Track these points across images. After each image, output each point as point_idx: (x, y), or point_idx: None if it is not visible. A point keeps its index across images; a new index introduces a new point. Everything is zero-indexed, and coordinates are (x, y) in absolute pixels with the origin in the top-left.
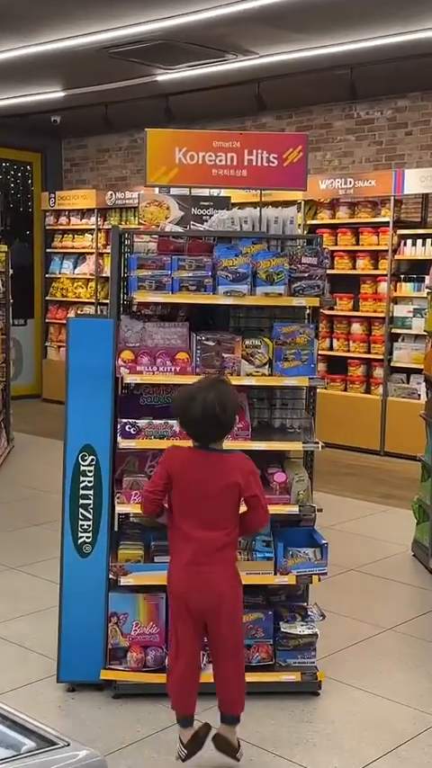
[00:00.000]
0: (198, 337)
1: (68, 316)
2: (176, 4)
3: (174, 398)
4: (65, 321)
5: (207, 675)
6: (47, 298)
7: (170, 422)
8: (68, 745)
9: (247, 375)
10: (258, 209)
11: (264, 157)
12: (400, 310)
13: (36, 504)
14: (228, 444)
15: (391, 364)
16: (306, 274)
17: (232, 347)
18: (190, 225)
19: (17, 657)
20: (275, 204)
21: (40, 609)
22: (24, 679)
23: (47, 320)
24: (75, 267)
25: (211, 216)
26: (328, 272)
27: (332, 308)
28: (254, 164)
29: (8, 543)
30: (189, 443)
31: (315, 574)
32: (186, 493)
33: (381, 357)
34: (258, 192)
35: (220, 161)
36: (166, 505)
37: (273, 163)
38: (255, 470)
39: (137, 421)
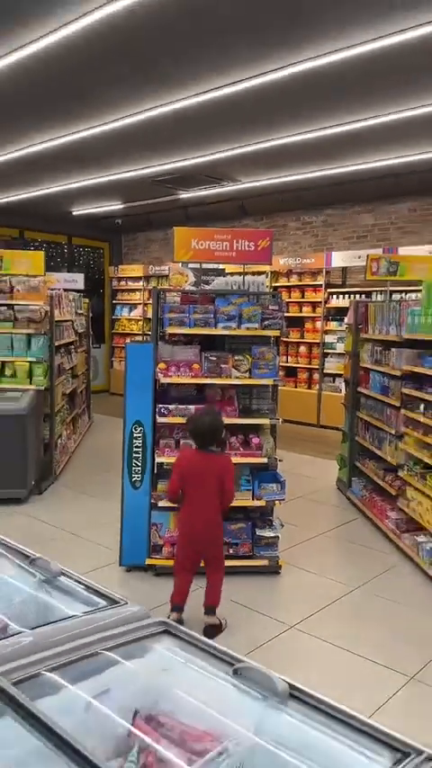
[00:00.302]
0: (206, 355)
1: (126, 342)
2: (193, 152)
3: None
4: (124, 345)
5: None
6: (113, 331)
7: (189, 406)
8: (127, 603)
9: (236, 378)
10: (242, 276)
11: (245, 244)
12: (329, 338)
13: (106, 458)
14: (224, 420)
15: (324, 371)
16: (272, 316)
17: (226, 361)
18: (201, 285)
19: (95, 551)
20: (253, 273)
21: (109, 521)
22: (99, 563)
23: (113, 345)
24: (130, 312)
25: (213, 280)
26: (285, 314)
27: (287, 337)
28: (239, 248)
29: (88, 481)
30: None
31: (277, 500)
32: (192, 479)
33: (317, 367)
34: (242, 265)
35: (219, 246)
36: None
37: (251, 248)
38: (231, 468)
39: (168, 406)
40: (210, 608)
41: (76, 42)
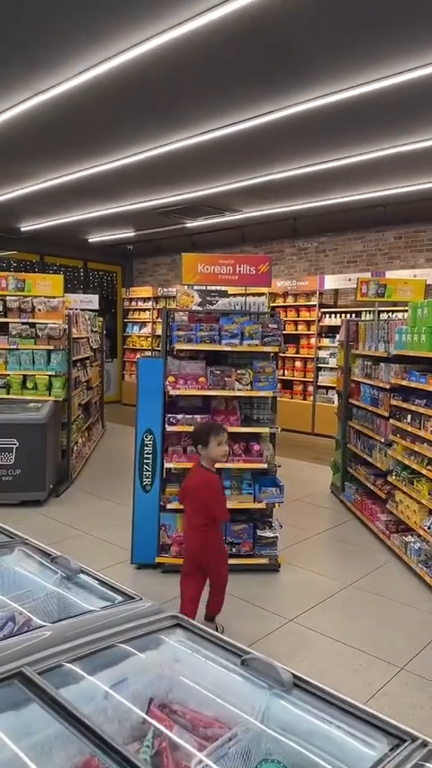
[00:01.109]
0: (211, 369)
1: (138, 357)
2: (198, 186)
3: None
4: (135, 360)
5: None
6: (124, 347)
7: (195, 416)
8: (141, 599)
9: (238, 390)
10: (244, 297)
11: (247, 269)
12: (323, 354)
13: (118, 463)
14: (228, 428)
15: (318, 384)
16: (271, 334)
17: (230, 374)
18: (206, 306)
19: (108, 550)
20: (253, 294)
21: (121, 522)
22: (112, 561)
23: (124, 359)
24: (140, 329)
25: (217, 301)
26: (283, 332)
27: (285, 353)
28: (241, 272)
29: (102, 484)
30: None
31: (277, 502)
32: (187, 493)
33: (312, 380)
34: (244, 288)
35: (223, 270)
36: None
37: (252, 272)
38: (213, 485)
39: (176, 415)
40: (207, 616)
41: (99, 86)
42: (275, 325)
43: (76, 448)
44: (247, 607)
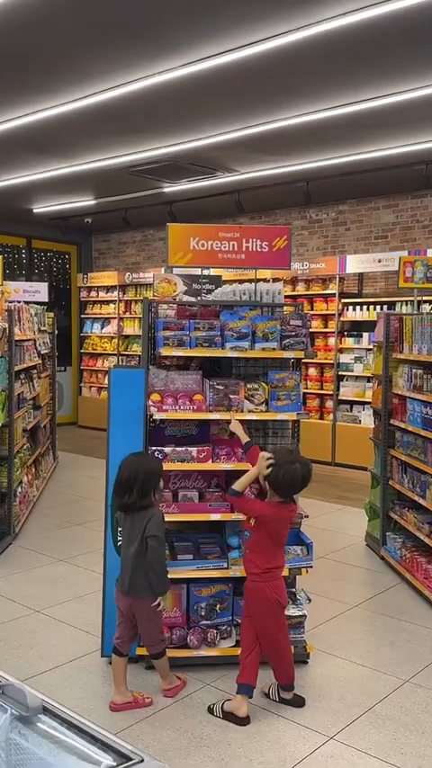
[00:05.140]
0: (211, 383)
1: (109, 366)
2: (181, 135)
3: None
4: (96, 368)
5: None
6: (81, 350)
7: (189, 448)
8: (142, 761)
9: (249, 411)
10: (254, 283)
11: (257, 244)
12: (345, 358)
13: (77, 508)
14: (231, 465)
15: (339, 398)
16: (293, 333)
17: (237, 390)
18: (202, 296)
19: (70, 636)
20: (263, 280)
21: (85, 593)
22: (75, 653)
23: (81, 367)
24: (102, 328)
25: (206, 290)
26: (310, 330)
27: (312, 358)
28: (250, 249)
29: (57, 539)
30: (205, 465)
31: (303, 567)
32: None
33: (331, 392)
34: (253, 270)
35: (225, 247)
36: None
37: (264, 248)
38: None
39: (163, 448)
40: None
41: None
42: (299, 322)
43: (20, 490)
44: (270, 718)
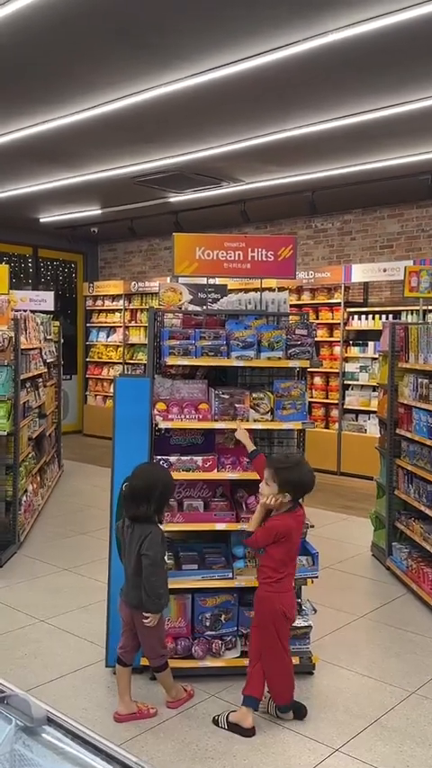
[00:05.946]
0: (216, 392)
1: (115, 375)
2: (188, 145)
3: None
4: (101, 377)
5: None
6: (87, 359)
7: (195, 457)
8: None
9: (255, 420)
10: (259, 292)
11: (263, 254)
12: (350, 367)
13: (82, 517)
14: (236, 474)
15: (344, 407)
16: (299, 342)
17: (242, 399)
18: (208, 305)
19: (74, 645)
20: (269, 289)
21: (89, 603)
22: (80, 663)
23: (87, 376)
24: (107, 337)
25: (216, 298)
26: (315, 339)
27: (318, 367)
28: (256, 259)
29: (61, 548)
30: (210, 475)
31: (309, 577)
32: None
33: (336, 401)
34: (257, 280)
35: (230, 257)
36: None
37: (269, 257)
38: None
39: (168, 457)
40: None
41: (42, 9)
42: (304, 331)
43: (25, 498)
44: (275, 729)
